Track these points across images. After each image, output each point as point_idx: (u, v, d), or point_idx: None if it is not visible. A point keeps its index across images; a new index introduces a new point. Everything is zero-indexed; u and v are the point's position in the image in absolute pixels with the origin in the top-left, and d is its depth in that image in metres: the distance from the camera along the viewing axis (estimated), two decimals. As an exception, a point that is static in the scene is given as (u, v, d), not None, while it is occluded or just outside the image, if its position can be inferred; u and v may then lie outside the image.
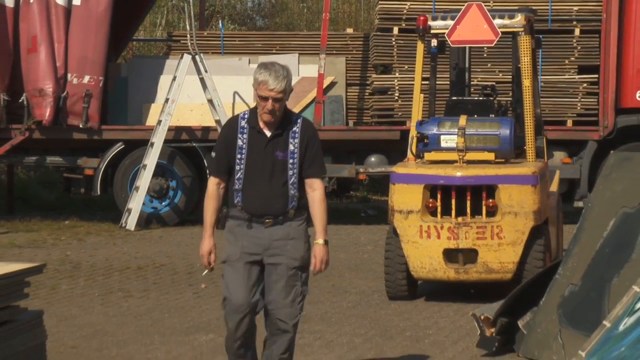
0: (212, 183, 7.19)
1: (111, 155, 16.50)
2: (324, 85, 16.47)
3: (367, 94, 17.10)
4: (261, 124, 7.10)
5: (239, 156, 7.10)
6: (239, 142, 7.10)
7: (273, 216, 7.11)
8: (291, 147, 7.13)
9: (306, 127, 7.27)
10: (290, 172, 7.13)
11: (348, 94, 17.14)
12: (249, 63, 16.93)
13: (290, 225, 7.17)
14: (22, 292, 5.20)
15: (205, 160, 16.43)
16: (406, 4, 16.53)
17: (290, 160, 7.12)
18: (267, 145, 7.10)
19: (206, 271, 7.33)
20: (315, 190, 7.18)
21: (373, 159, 16.40)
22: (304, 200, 7.17)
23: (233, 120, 7.37)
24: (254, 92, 7.08)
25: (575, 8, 16.47)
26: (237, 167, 7.10)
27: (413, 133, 11.57)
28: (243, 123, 7.15)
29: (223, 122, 15.97)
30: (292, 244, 7.16)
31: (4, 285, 5.08)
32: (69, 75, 16.28)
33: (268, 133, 7.12)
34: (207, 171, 8.54)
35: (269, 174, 7.09)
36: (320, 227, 7.16)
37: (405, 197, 11.01)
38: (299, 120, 7.25)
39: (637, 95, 16.22)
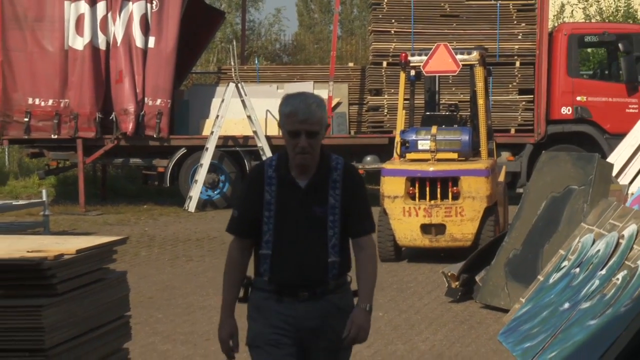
0: (233, 247, 4.43)
1: (177, 157, 16.48)
2: (332, 105, 16.43)
3: (364, 111, 17.03)
4: (293, 173, 4.32)
5: (266, 213, 4.31)
6: (267, 196, 4.32)
7: (309, 288, 4.33)
8: (332, 200, 4.33)
9: (349, 174, 4.41)
10: (331, 232, 4.33)
11: (350, 111, 17.10)
12: (277, 89, 16.90)
13: (330, 300, 4.36)
14: (111, 258, 5.19)
15: (245, 161, 16.42)
16: (392, 45, 16.46)
17: (331, 217, 4.33)
18: (301, 198, 4.31)
19: None
20: (365, 249, 4.42)
21: (369, 158, 16.34)
22: (346, 267, 4.42)
23: (258, 169, 4.47)
24: (282, 132, 4.32)
25: (516, 46, 16.39)
26: (265, 228, 4.32)
27: (397, 139, 11.57)
28: (270, 172, 4.35)
29: (259, 133, 16.14)
30: (332, 323, 4.36)
31: (98, 252, 5.08)
32: (146, 99, 16.25)
33: (302, 183, 4.32)
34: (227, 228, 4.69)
35: (304, 236, 4.31)
36: (367, 290, 4.39)
37: (392, 186, 10.98)
38: (339, 165, 4.39)
39: (562, 110, 16.18)
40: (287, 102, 4.30)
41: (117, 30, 16.24)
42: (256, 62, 20.49)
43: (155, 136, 16.27)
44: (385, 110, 16.46)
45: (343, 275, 4.41)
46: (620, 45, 15.93)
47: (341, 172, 4.38)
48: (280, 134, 4.38)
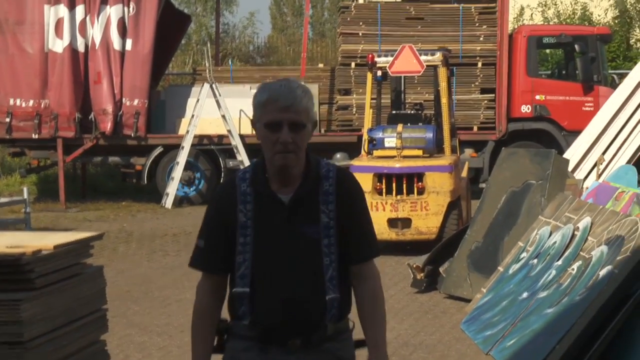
0: (201, 288, 3.31)
1: (154, 155, 16.43)
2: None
3: (334, 110, 17.03)
4: (273, 185, 3.20)
5: (242, 240, 3.19)
6: (241, 218, 3.19)
7: (302, 335, 3.20)
8: (324, 217, 3.18)
9: (344, 182, 3.26)
10: (327, 260, 3.18)
11: (320, 110, 17.08)
12: (250, 89, 16.85)
13: (328, 350, 3.23)
14: (88, 253, 5.17)
15: (220, 159, 16.40)
16: (360, 46, 16.48)
17: (325, 240, 3.18)
18: (286, 217, 3.18)
19: None
20: (368, 279, 3.28)
21: (338, 156, 16.33)
22: (347, 306, 3.28)
23: (227, 185, 3.31)
24: (257, 129, 3.19)
25: (478, 48, 16.45)
26: (240, 258, 3.19)
27: (365, 137, 11.59)
28: (244, 187, 3.22)
29: (233, 132, 16.12)
30: None
31: (75, 248, 5.06)
32: (123, 99, 16.19)
33: (285, 197, 3.19)
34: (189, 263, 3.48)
35: (293, 265, 3.17)
36: (381, 338, 3.27)
37: (360, 182, 10.97)
38: (330, 173, 3.25)
39: (522, 108, 16.27)
40: (263, 89, 3.16)
41: (95, 33, 16.18)
42: (230, 63, 20.42)
43: (133, 135, 16.21)
44: (354, 109, 16.48)
45: (344, 317, 3.27)
46: (576, 46, 16.06)
47: (334, 181, 3.20)
48: (254, 133, 3.24)
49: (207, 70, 16.68)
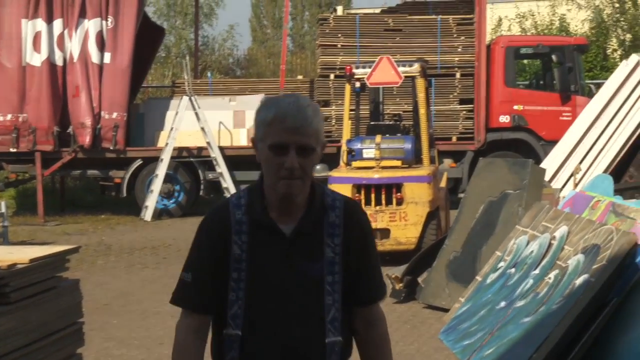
0: (184, 329, 2.87)
1: (133, 168, 16.39)
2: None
3: (313, 121, 17.02)
4: (273, 214, 2.83)
5: (235, 275, 2.81)
6: (235, 250, 2.81)
7: None
8: (329, 252, 2.84)
9: (353, 215, 2.91)
10: (329, 299, 2.83)
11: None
12: (230, 101, 16.88)
13: None
14: (64, 266, 5.15)
15: (199, 171, 16.39)
16: (339, 58, 16.53)
17: (329, 277, 2.83)
18: (286, 251, 2.82)
19: None
20: (375, 323, 2.96)
21: (318, 167, 16.30)
22: (348, 351, 2.94)
23: (219, 211, 2.90)
24: (259, 149, 2.82)
25: (457, 59, 16.52)
26: (233, 296, 2.82)
27: (344, 148, 11.61)
28: (239, 214, 2.83)
29: (212, 144, 16.12)
30: None
31: (51, 261, 5.04)
32: (102, 112, 16.16)
33: (287, 229, 2.83)
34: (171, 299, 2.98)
35: (292, 306, 2.82)
36: None
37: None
38: (337, 202, 2.89)
39: (500, 119, 16.36)
40: (269, 105, 2.78)
41: (73, 46, 16.15)
42: (209, 75, 20.42)
43: (111, 148, 16.18)
44: (333, 121, 16.50)
45: None
46: (554, 57, 16.16)
47: (341, 213, 2.85)
48: (255, 152, 2.83)
49: (186, 83, 16.67)
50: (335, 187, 11.07)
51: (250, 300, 2.80)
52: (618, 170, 9.36)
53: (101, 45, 16.24)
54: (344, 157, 11.57)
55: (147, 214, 15.83)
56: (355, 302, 2.91)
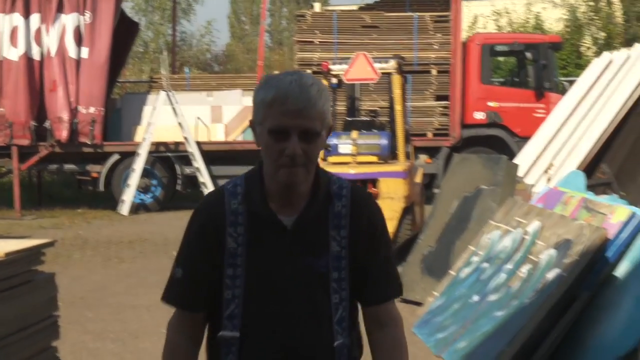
0: (175, 328, 2.61)
1: (110, 163, 16.35)
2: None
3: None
4: (273, 204, 2.50)
5: (230, 272, 2.50)
6: (230, 244, 2.49)
7: None
8: (335, 246, 2.50)
9: (361, 203, 2.57)
10: (336, 298, 2.51)
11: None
12: (207, 96, 16.87)
13: None
14: (39, 260, 5.13)
15: (177, 166, 16.37)
16: (316, 54, 16.52)
17: (335, 274, 2.50)
18: (288, 246, 2.49)
19: None
20: (388, 325, 2.61)
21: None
22: (357, 355, 2.66)
23: (213, 200, 2.57)
24: (258, 133, 2.48)
25: (433, 56, 16.56)
26: (228, 294, 2.50)
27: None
28: (235, 204, 2.51)
29: (189, 139, 16.10)
30: None
31: (27, 255, 5.01)
32: (79, 107, 16.11)
33: (288, 221, 2.50)
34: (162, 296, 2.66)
35: (294, 305, 2.50)
36: None
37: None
38: (344, 191, 2.57)
39: (475, 115, 16.42)
40: (268, 84, 2.43)
41: (51, 41, 16.07)
42: (186, 71, 20.36)
43: (89, 143, 16.12)
44: (310, 117, 16.47)
45: None
46: (528, 54, 16.25)
47: (348, 202, 2.53)
48: (253, 137, 2.53)
49: (164, 78, 16.63)
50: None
51: (248, 300, 2.48)
52: (590, 167, 9.43)
53: (79, 40, 16.16)
54: (322, 151, 11.57)
55: (124, 208, 15.79)
56: (365, 301, 2.58)
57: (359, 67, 11.58)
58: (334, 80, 11.94)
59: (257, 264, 2.49)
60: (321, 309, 2.51)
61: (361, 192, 2.64)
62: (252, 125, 2.50)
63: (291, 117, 2.39)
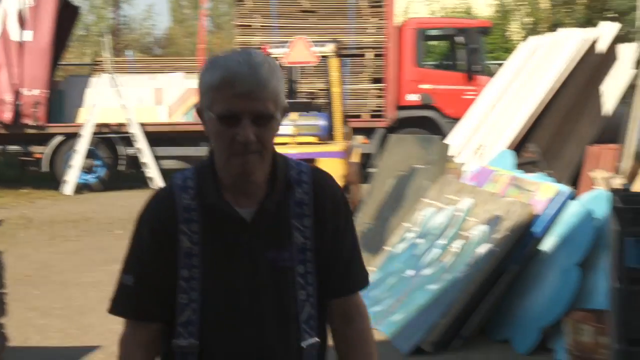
0: (128, 341, 2.24)
1: (54, 144, 16.12)
2: (201, 94, 16.34)
3: (230, 99, 16.93)
4: (228, 195, 2.18)
5: (186, 273, 2.16)
6: (184, 243, 2.16)
7: None
8: (298, 236, 2.19)
9: (325, 187, 2.26)
10: (303, 294, 2.20)
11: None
12: (149, 79, 16.70)
13: None
14: (-15, 239, 5.05)
15: (119, 147, 16.21)
16: (256, 38, 16.44)
17: (301, 268, 2.19)
18: (247, 241, 2.16)
19: None
20: (355, 318, 2.31)
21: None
22: (324, 354, 2.28)
23: (161, 197, 2.23)
24: (205, 120, 2.16)
25: (369, 39, 16.59)
26: (184, 299, 2.17)
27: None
28: (187, 199, 2.18)
29: (132, 121, 15.94)
30: None
31: (-28, 234, 4.92)
32: (23, 89, 15.83)
33: (246, 213, 2.17)
34: (111, 308, 2.30)
35: (256, 305, 2.17)
36: None
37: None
38: (304, 176, 2.24)
39: (409, 97, 16.51)
40: (214, 65, 2.13)
41: (-7, 24, 15.75)
42: (129, 54, 20.12)
43: (32, 124, 15.86)
44: (250, 98, 16.40)
45: None
46: (459, 39, 16.38)
47: (310, 188, 2.24)
48: (203, 124, 2.21)
49: (107, 61, 16.41)
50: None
51: (205, 303, 2.16)
52: (519, 146, 9.55)
53: (22, 23, 15.87)
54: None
55: (68, 188, 15.59)
56: (331, 293, 2.26)
57: (298, 51, 11.56)
58: (273, 64, 11.92)
59: (214, 262, 2.16)
60: (287, 307, 2.19)
61: (322, 175, 2.30)
62: (199, 111, 2.20)
63: (241, 100, 2.08)
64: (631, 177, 7.40)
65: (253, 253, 2.17)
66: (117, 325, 2.31)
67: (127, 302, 2.24)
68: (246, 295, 2.16)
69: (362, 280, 2.34)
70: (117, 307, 2.27)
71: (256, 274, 2.16)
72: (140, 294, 2.21)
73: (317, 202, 2.22)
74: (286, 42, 12.06)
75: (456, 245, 6.94)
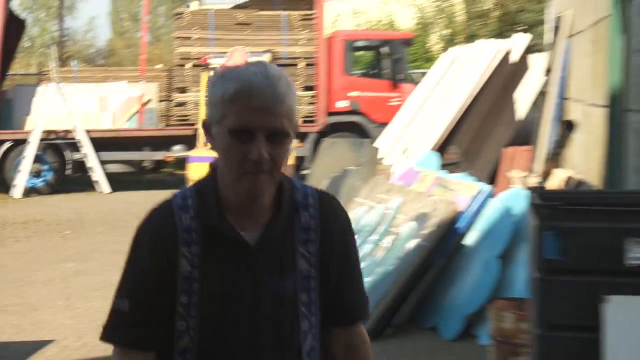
0: None
1: (2, 150, 15.79)
2: (144, 101, 16.17)
3: (172, 106, 16.81)
4: (231, 217, 1.90)
5: (184, 299, 1.88)
6: (183, 267, 1.88)
7: None
8: (303, 263, 1.93)
9: (331, 212, 2.00)
10: (305, 324, 1.94)
11: (160, 106, 16.85)
12: (94, 88, 16.47)
13: None
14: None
15: (66, 152, 15.94)
16: (194, 49, 16.32)
17: (304, 296, 1.93)
18: (250, 266, 1.90)
19: None
20: (359, 349, 2.06)
21: (177, 147, 16.14)
22: None
23: (160, 217, 1.93)
24: (214, 135, 1.92)
25: (300, 50, 16.61)
26: (182, 326, 1.89)
27: (200, 130, 11.51)
28: (187, 220, 1.90)
29: (78, 127, 15.71)
30: None
31: None
32: (-29, 98, 15.49)
33: (250, 237, 1.90)
34: (103, 335, 1.96)
35: (259, 335, 1.91)
36: None
37: (197, 171, 10.95)
38: (311, 199, 1.98)
39: (339, 104, 16.59)
40: (227, 77, 1.91)
41: (-57, 36, 15.35)
42: (74, 64, 19.79)
43: (-19, 131, 15.53)
44: (191, 106, 16.32)
45: None
46: (384, 49, 16.54)
47: (316, 212, 2.00)
48: (210, 140, 1.99)
49: (52, 71, 16.13)
50: (194, 165, 11.01)
51: (204, 330, 1.91)
52: (442, 148, 9.68)
53: (-30, 35, 15.51)
54: (201, 138, 11.48)
55: (17, 192, 15.28)
56: (334, 323, 2.03)
57: (236, 60, 11.56)
58: (212, 73, 11.88)
59: (215, 288, 1.90)
60: (289, 338, 1.94)
61: (329, 198, 2.06)
62: (207, 125, 1.94)
63: (257, 114, 1.83)
64: (545, 176, 7.56)
65: (255, 280, 1.92)
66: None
67: (122, 328, 1.95)
68: (246, 325, 1.92)
69: (366, 308, 2.11)
70: (111, 333, 1.98)
71: (258, 302, 1.92)
72: (135, 319, 1.94)
73: (323, 228, 1.98)
74: (224, 52, 12.02)
75: (387, 240, 7.00)
